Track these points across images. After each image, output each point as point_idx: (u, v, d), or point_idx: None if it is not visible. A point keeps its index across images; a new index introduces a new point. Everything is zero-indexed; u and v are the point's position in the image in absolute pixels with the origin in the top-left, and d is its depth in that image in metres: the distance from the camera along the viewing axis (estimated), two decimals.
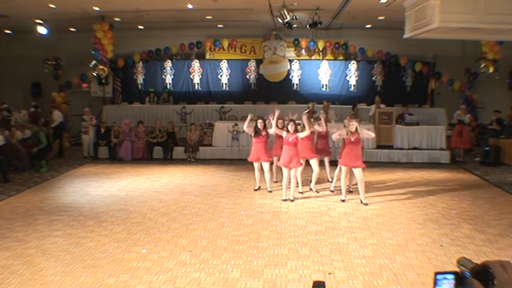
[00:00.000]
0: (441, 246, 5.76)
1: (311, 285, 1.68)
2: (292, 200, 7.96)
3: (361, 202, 7.82)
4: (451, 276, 1.28)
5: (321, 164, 8.98)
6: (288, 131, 7.87)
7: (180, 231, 6.34)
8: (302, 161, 8.09)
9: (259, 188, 8.77)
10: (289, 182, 7.96)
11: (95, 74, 14.36)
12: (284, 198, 8.00)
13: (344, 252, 5.54)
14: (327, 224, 6.73)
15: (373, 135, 8.68)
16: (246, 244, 5.82)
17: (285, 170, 7.90)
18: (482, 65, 13.35)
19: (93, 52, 13.59)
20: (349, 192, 8.50)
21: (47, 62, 14.96)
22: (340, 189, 8.15)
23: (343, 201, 7.94)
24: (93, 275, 4.83)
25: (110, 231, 6.33)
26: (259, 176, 8.73)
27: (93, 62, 13.89)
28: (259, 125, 8.48)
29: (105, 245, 5.76)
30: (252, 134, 8.59)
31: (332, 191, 8.63)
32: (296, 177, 8.18)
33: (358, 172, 7.75)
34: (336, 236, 6.18)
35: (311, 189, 8.71)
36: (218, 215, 7.16)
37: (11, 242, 5.87)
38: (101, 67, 13.92)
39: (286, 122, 8.14)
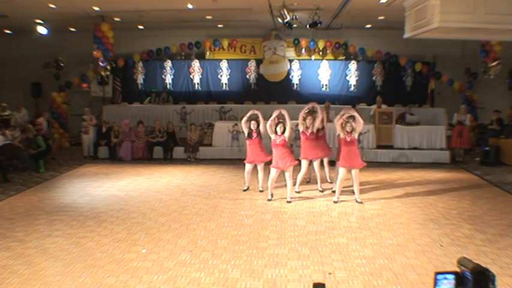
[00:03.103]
0: (441, 246, 5.76)
1: (311, 286, 1.69)
2: (290, 202, 7.88)
3: (356, 201, 7.85)
4: (451, 276, 1.28)
5: (320, 164, 8.95)
6: (275, 132, 7.86)
7: (180, 231, 6.34)
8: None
9: (248, 188, 8.77)
10: (289, 182, 7.91)
11: (104, 74, 14.36)
12: (269, 198, 7.99)
13: (344, 252, 5.54)
14: (327, 224, 6.73)
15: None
16: (246, 244, 5.82)
17: (273, 171, 7.86)
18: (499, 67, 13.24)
19: (103, 51, 13.55)
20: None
21: (49, 67, 14.95)
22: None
23: (336, 202, 7.86)
24: (93, 275, 4.83)
25: (110, 231, 6.33)
26: (248, 177, 8.73)
27: (106, 63, 13.92)
28: (252, 126, 8.44)
29: (105, 245, 5.76)
30: (246, 135, 8.56)
31: (321, 191, 8.64)
32: (292, 178, 8.01)
33: (355, 171, 7.72)
34: (336, 236, 6.18)
35: (320, 190, 8.73)
36: (218, 215, 7.16)
37: (11, 242, 5.87)
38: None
39: (274, 123, 7.97)
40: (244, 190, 8.75)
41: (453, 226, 6.60)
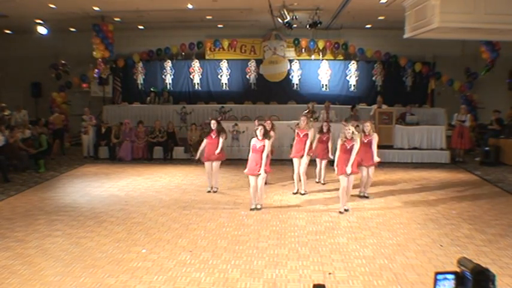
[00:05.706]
0: (441, 246, 5.76)
1: (311, 287, 1.68)
2: (259, 209, 7.38)
3: (339, 211, 7.23)
4: (451, 276, 1.28)
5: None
6: (255, 135, 7.27)
7: (180, 231, 6.34)
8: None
9: (211, 188, 8.68)
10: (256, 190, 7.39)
11: (104, 76, 14.34)
12: (252, 207, 7.40)
13: (344, 252, 5.54)
14: (327, 224, 6.73)
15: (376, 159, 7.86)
16: (246, 244, 5.82)
17: (251, 179, 7.28)
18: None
19: (110, 51, 13.54)
20: (365, 197, 8.17)
21: (56, 68, 14.93)
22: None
23: (341, 213, 7.22)
24: (93, 275, 4.83)
25: (110, 231, 6.33)
26: (210, 177, 8.63)
27: (111, 63, 13.90)
28: (212, 125, 8.38)
29: (105, 245, 5.77)
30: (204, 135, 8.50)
31: (295, 193, 8.53)
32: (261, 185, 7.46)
33: (350, 178, 7.24)
34: (336, 236, 6.18)
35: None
36: (218, 215, 7.16)
37: (11, 242, 5.87)
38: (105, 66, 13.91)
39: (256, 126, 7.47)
40: (208, 192, 8.64)
41: (453, 226, 6.60)
